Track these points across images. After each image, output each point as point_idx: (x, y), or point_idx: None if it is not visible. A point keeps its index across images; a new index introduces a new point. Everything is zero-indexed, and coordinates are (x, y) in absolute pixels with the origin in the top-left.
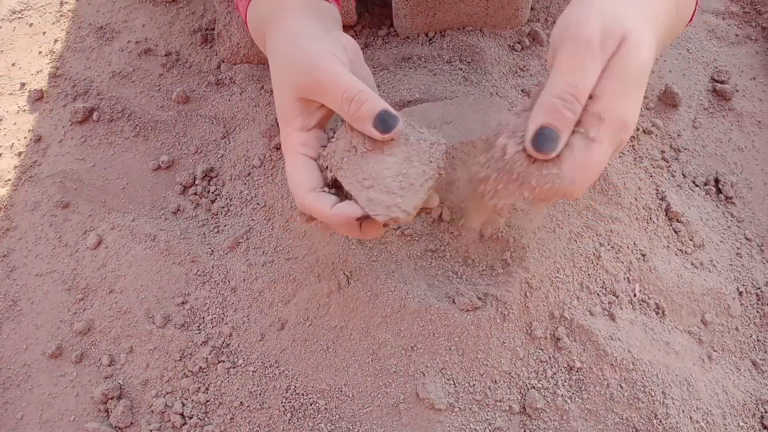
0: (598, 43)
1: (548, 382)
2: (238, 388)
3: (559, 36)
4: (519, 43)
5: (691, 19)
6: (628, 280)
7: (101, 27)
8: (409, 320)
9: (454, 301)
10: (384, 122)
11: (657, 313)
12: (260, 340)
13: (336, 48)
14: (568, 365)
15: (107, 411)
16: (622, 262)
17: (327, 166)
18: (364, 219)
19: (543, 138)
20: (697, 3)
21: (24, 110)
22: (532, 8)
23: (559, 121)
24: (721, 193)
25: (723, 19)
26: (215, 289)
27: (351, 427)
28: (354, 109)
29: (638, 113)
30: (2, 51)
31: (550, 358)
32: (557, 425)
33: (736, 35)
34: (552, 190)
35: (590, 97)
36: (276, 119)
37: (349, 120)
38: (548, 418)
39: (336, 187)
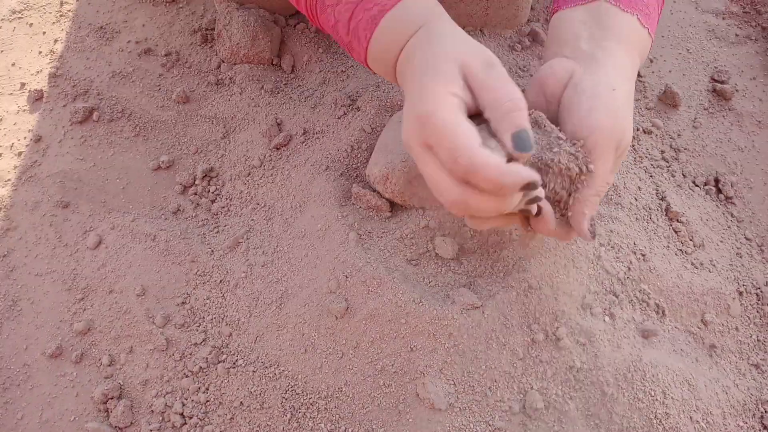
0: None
1: (548, 382)
2: (238, 388)
3: (590, 131)
4: (519, 43)
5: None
6: (628, 280)
7: (101, 27)
8: (409, 320)
9: (454, 301)
10: (522, 141)
11: (657, 313)
12: (260, 340)
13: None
14: (568, 365)
15: (107, 411)
16: (622, 262)
17: None
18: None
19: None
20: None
21: (24, 110)
22: (532, 8)
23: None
24: (721, 193)
25: (723, 19)
26: (215, 289)
27: (351, 428)
28: (505, 113)
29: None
30: (2, 51)
31: (550, 358)
32: (557, 425)
33: (736, 35)
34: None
35: None
36: (276, 119)
37: (491, 118)
38: (548, 418)
39: None
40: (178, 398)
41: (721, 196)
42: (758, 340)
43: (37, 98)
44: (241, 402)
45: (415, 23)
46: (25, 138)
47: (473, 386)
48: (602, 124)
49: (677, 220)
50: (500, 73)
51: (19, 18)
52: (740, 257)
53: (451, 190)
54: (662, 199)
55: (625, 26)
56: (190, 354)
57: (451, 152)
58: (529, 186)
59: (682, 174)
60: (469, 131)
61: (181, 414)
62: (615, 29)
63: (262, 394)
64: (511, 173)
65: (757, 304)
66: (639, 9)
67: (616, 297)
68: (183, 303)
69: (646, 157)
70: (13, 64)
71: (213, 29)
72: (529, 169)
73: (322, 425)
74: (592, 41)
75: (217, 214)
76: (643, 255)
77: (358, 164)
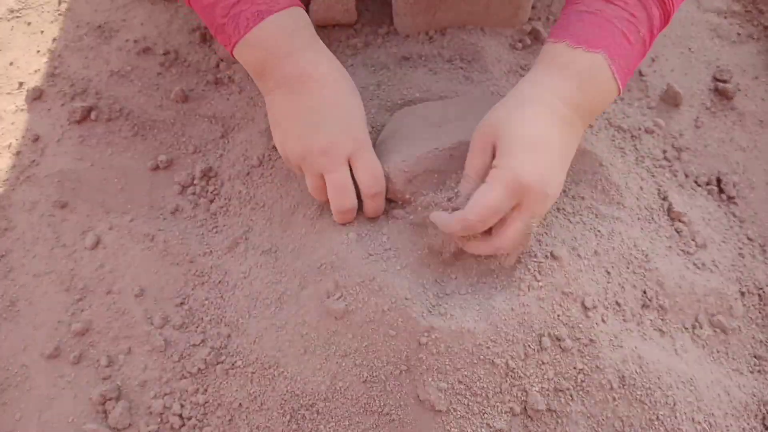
0: (477, 144)
1: (550, 383)
2: (236, 390)
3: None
4: (520, 41)
5: (619, 92)
6: (630, 281)
7: (99, 26)
8: (409, 321)
9: (454, 302)
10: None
11: (659, 314)
12: (259, 341)
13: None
14: (570, 366)
15: (105, 412)
16: (624, 263)
17: None
18: None
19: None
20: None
21: (22, 109)
22: (533, 7)
23: (464, 188)
24: (723, 192)
25: (725, 18)
26: (214, 290)
27: (351, 430)
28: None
29: (524, 160)
30: (0, 50)
31: (551, 359)
32: (558, 427)
33: (738, 34)
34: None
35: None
36: None
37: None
38: (549, 419)
39: None
40: (176, 399)
41: (724, 196)
42: (760, 341)
43: (35, 97)
44: (240, 403)
45: (284, 45)
46: (23, 137)
47: (474, 387)
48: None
49: (679, 220)
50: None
51: (18, 17)
52: (742, 257)
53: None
54: (664, 199)
55: (558, 56)
56: (189, 355)
57: (366, 187)
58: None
59: (684, 174)
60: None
61: (180, 415)
62: (545, 61)
63: (261, 396)
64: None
65: (759, 304)
66: (603, 46)
67: (617, 298)
68: (181, 304)
69: (648, 156)
70: (11, 63)
71: None
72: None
73: (322, 427)
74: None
75: (215, 214)
76: (645, 255)
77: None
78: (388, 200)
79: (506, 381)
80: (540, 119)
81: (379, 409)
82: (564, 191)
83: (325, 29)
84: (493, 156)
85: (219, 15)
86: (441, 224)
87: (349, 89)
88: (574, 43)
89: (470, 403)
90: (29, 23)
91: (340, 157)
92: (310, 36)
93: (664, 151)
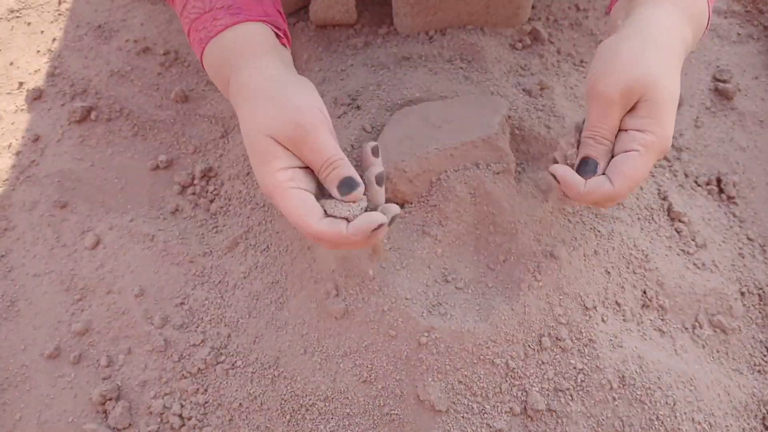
0: (617, 100)
1: (549, 383)
2: (236, 390)
3: (590, 87)
4: (520, 41)
5: (707, 25)
6: (630, 281)
7: (99, 26)
8: (409, 321)
9: (455, 302)
10: (348, 186)
11: (659, 314)
12: (259, 341)
13: (319, 102)
14: (570, 366)
15: (105, 412)
16: (624, 263)
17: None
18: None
19: (585, 166)
20: (709, 6)
21: (22, 109)
22: (533, 7)
23: (594, 153)
24: (723, 192)
25: (725, 18)
26: (214, 290)
27: (350, 430)
28: (328, 173)
29: (672, 126)
30: (0, 50)
31: (551, 359)
32: (558, 427)
33: (738, 34)
34: (601, 196)
35: (628, 130)
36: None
37: (319, 178)
38: (549, 419)
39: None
40: (176, 399)
41: (723, 196)
42: (760, 341)
43: (35, 97)
44: (240, 403)
45: (227, 66)
46: (23, 137)
47: (474, 387)
48: (600, 75)
49: (679, 220)
50: (313, 140)
51: (18, 17)
52: (742, 257)
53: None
54: (664, 199)
55: None
56: (189, 355)
57: (299, 228)
58: (378, 228)
59: (684, 174)
60: (305, 208)
61: (180, 415)
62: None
63: (261, 396)
64: (356, 232)
65: (760, 304)
66: None
67: (617, 298)
68: (181, 303)
69: None
70: (11, 63)
71: None
72: (368, 216)
73: (322, 427)
74: (625, 15)
75: (215, 214)
76: (645, 255)
77: (358, 163)
78: (389, 200)
79: (506, 381)
80: (678, 74)
81: (379, 409)
82: None
83: (325, 29)
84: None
85: (189, 39)
86: (575, 193)
87: (258, 113)
88: None
89: (470, 403)
90: (29, 23)
91: (271, 197)
92: (239, 57)
93: None
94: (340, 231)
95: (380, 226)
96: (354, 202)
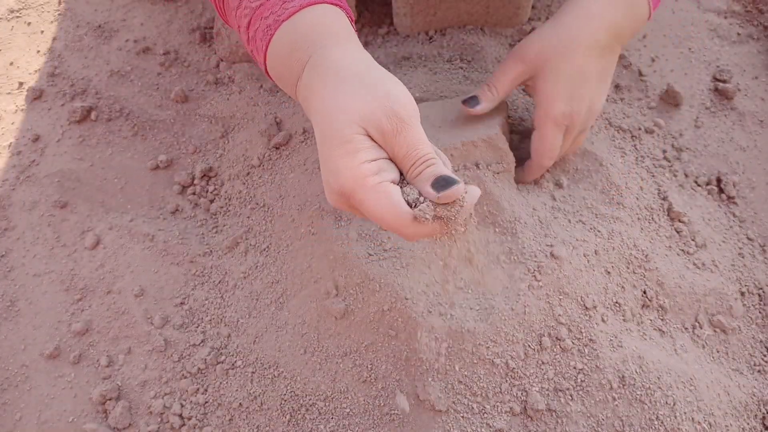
0: (511, 67)
1: (549, 383)
2: (236, 389)
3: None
4: (519, 41)
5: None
6: (630, 281)
7: (99, 26)
8: (409, 321)
9: (454, 302)
10: (444, 184)
11: (659, 314)
12: (259, 341)
13: (410, 94)
14: (570, 366)
15: (105, 412)
16: (624, 263)
17: None
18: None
19: (471, 100)
20: None
21: (22, 109)
22: (533, 7)
23: (480, 94)
24: (723, 192)
25: (725, 18)
26: (214, 290)
27: (350, 429)
28: (421, 170)
29: (578, 99)
30: (0, 50)
31: (551, 359)
32: (558, 426)
33: (738, 34)
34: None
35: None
36: (275, 118)
37: (407, 173)
38: (549, 419)
39: None
40: (176, 399)
41: (723, 196)
42: (760, 341)
43: (35, 97)
44: (240, 403)
45: (306, 46)
46: (23, 137)
47: (474, 387)
48: (514, 50)
49: (679, 220)
50: (407, 132)
51: (18, 17)
52: (742, 257)
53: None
54: (664, 199)
55: None
56: (189, 355)
57: (388, 225)
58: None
59: (684, 174)
60: (398, 205)
61: (180, 415)
62: None
63: (261, 396)
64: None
65: (759, 304)
66: None
67: (617, 298)
68: (181, 303)
69: (648, 156)
70: (11, 63)
71: (212, 28)
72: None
73: (322, 426)
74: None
75: (215, 214)
76: (645, 255)
77: None
78: None
79: (506, 381)
80: (584, 56)
81: (379, 409)
82: (562, 188)
83: None
84: (528, 81)
85: (245, 41)
86: (529, 176)
87: (335, 114)
88: None
89: (470, 403)
90: (29, 23)
91: (352, 192)
92: (324, 37)
93: (664, 151)
94: (424, 226)
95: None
96: (453, 202)
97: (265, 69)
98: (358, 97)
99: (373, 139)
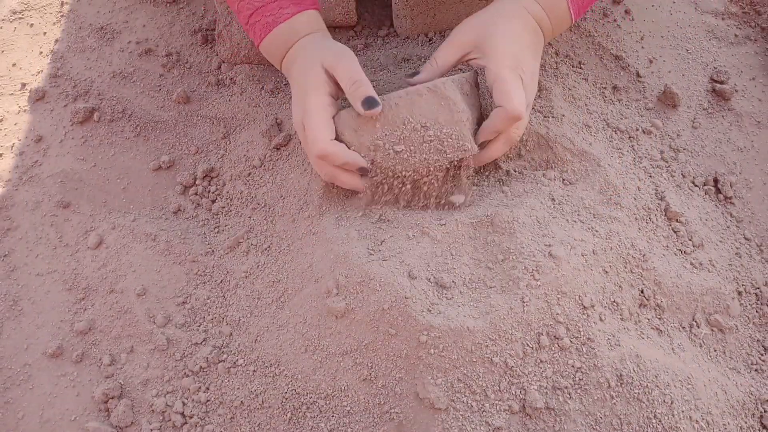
0: (455, 45)
1: (548, 382)
2: (238, 388)
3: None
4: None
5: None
6: (627, 281)
7: (102, 27)
8: (409, 320)
9: (454, 302)
10: (369, 104)
11: (656, 313)
12: (260, 340)
13: (348, 49)
14: (568, 365)
15: (108, 410)
16: (621, 263)
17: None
18: (364, 172)
19: (414, 75)
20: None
21: (25, 110)
22: None
23: (424, 70)
24: (720, 193)
25: (722, 19)
26: (216, 289)
27: (351, 428)
28: (354, 89)
29: (503, 67)
30: (3, 51)
31: (549, 357)
32: (557, 425)
33: (736, 35)
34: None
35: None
36: (276, 119)
37: (347, 95)
38: (548, 417)
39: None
40: (178, 398)
41: (721, 196)
42: (757, 340)
43: (37, 98)
44: (241, 401)
45: (297, 35)
46: (26, 138)
47: (473, 386)
48: (455, 30)
49: (676, 220)
50: (347, 62)
51: (20, 18)
52: (739, 257)
53: (323, 168)
54: (661, 199)
55: None
56: (191, 354)
57: (311, 141)
58: (362, 170)
59: (682, 174)
60: (325, 129)
61: (182, 413)
62: None
63: (263, 394)
64: (351, 158)
65: (756, 303)
66: None
67: (615, 297)
68: (183, 303)
69: (646, 157)
70: (14, 65)
71: (213, 30)
72: (362, 159)
73: (323, 425)
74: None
75: (217, 214)
76: (643, 255)
77: None
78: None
79: (505, 379)
80: (518, 23)
81: (379, 407)
82: (562, 188)
83: None
84: (471, 54)
85: (242, 22)
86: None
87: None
88: None
89: (469, 401)
90: (32, 25)
91: (306, 113)
92: (312, 31)
93: (662, 152)
94: (341, 151)
95: (362, 169)
96: (374, 117)
97: (257, 45)
98: (318, 50)
99: (330, 79)
